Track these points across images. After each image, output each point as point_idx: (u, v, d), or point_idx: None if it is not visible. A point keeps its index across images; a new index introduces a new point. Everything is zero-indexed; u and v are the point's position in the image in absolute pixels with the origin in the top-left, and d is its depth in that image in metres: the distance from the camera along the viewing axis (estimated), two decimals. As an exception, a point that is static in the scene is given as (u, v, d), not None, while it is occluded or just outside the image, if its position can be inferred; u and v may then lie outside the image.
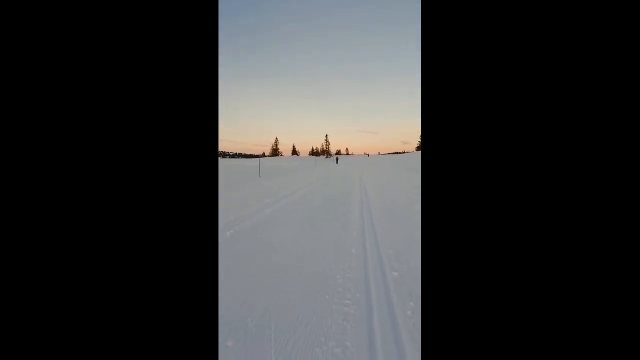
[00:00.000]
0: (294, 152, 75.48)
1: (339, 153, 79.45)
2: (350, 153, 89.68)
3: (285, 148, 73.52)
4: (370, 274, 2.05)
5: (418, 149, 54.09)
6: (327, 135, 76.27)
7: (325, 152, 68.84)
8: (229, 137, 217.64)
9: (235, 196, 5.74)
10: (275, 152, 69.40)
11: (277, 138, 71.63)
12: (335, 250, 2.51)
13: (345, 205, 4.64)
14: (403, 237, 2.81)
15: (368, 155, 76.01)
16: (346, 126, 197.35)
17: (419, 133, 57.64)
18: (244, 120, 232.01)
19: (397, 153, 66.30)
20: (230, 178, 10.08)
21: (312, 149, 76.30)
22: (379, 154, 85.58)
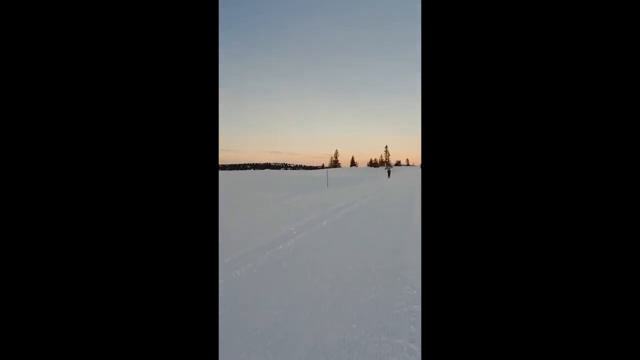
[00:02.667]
0: (352, 163, 76.29)
1: (398, 164, 77.53)
2: (410, 164, 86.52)
3: (342, 159, 74.63)
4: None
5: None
6: (386, 146, 75.39)
7: (385, 163, 67.99)
8: (289, 150, 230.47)
9: (317, 200, 6.69)
10: (335, 164, 71.10)
11: (336, 150, 73.14)
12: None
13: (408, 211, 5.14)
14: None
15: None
16: (404, 135, 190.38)
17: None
18: (301, 132, 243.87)
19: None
20: (298, 187, 11.24)
21: (370, 160, 76.19)
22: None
